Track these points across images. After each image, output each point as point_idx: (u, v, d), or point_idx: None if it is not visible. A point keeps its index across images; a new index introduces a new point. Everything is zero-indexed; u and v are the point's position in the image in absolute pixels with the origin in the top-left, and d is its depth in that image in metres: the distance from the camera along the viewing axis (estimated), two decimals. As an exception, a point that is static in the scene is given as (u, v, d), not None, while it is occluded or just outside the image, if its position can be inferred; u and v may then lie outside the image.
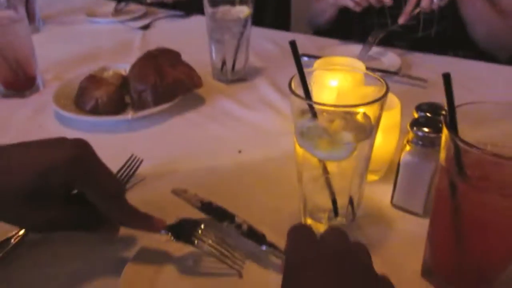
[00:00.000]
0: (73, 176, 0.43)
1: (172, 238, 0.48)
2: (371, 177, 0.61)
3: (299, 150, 0.48)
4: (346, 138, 0.44)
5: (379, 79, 0.46)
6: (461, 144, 0.36)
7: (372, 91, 0.46)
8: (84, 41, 1.19)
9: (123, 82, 0.79)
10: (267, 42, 1.10)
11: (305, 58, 0.95)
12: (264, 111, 0.80)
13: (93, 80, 0.77)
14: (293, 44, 0.43)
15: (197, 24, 1.26)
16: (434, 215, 0.44)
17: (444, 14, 1.08)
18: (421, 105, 0.55)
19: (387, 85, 0.44)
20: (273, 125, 0.76)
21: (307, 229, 0.40)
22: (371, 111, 0.44)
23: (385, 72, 0.89)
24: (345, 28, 1.23)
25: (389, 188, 0.57)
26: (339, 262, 0.35)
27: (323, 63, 0.70)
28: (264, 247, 0.47)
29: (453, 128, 0.37)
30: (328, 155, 0.46)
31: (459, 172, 0.38)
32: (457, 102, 0.40)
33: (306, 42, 1.11)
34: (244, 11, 0.86)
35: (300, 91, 0.45)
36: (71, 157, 0.42)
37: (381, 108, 0.44)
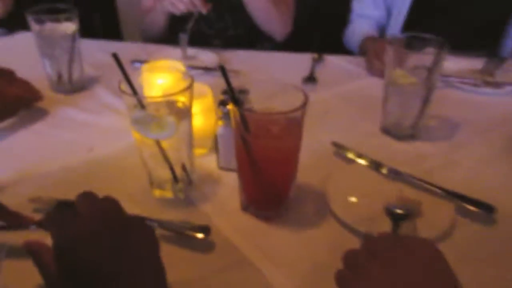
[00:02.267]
0: None
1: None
2: (201, 151, 0.78)
3: (136, 135, 0.62)
4: (169, 120, 0.60)
5: (188, 76, 0.62)
6: (241, 111, 0.55)
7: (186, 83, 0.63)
8: None
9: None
10: (99, 52, 1.18)
11: (137, 64, 1.08)
12: (106, 113, 0.91)
13: None
14: (115, 56, 0.56)
15: (23, 40, 1.27)
16: (238, 164, 0.62)
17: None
18: (226, 90, 0.74)
19: (191, 79, 0.61)
20: (116, 124, 0.87)
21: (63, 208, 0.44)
22: (184, 98, 0.61)
23: (205, 69, 1.07)
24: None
25: (215, 156, 0.75)
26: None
27: (150, 67, 0.84)
28: None
29: (234, 101, 0.55)
30: (159, 135, 0.61)
31: (245, 128, 0.56)
32: (259, 85, 0.59)
33: (137, 49, 1.24)
34: (70, 27, 0.95)
35: (129, 90, 0.59)
36: None
37: (190, 96, 0.61)
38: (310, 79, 1.06)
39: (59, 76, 0.97)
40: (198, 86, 0.73)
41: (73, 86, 0.99)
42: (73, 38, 0.96)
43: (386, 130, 0.85)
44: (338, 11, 1.55)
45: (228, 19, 1.34)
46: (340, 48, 1.41)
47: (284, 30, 1.35)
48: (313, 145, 0.77)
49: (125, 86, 0.58)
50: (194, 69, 1.05)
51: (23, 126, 0.85)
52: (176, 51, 1.17)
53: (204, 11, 1.13)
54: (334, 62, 1.19)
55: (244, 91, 0.63)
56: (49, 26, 0.94)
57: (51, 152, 0.79)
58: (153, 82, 0.69)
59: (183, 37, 1.15)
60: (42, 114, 0.90)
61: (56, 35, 0.95)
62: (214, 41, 1.36)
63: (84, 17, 1.00)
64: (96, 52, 1.17)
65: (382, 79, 0.86)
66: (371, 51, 1.11)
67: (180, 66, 0.85)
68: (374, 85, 1.03)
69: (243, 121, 0.56)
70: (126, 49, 1.25)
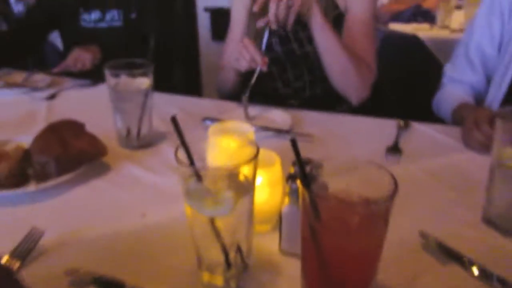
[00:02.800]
0: None
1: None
2: (263, 228, 0.68)
3: (188, 209, 0.54)
4: (227, 196, 0.51)
5: (253, 143, 0.54)
6: (311, 195, 0.45)
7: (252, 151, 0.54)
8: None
9: (25, 155, 0.80)
10: (172, 107, 1.16)
11: (208, 122, 1.03)
12: (168, 174, 0.85)
13: (-7, 155, 0.78)
14: (173, 120, 0.50)
15: (103, 92, 1.29)
16: (303, 254, 0.51)
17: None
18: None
19: (257, 148, 0.53)
20: (175, 186, 0.81)
21: None
22: (246, 170, 0.52)
23: (276, 130, 1.00)
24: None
25: (278, 236, 0.64)
26: None
27: (217, 129, 0.78)
28: None
29: (305, 182, 0.46)
30: (213, 212, 0.52)
31: (315, 216, 0.46)
32: (336, 153, 0.49)
33: (209, 105, 1.21)
34: (144, 82, 0.93)
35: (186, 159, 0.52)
36: None
37: (254, 168, 0.52)
38: (394, 149, 0.94)
39: (128, 131, 0.95)
40: (265, 154, 0.65)
41: (140, 142, 0.96)
42: (146, 93, 0.94)
43: (491, 222, 0.69)
44: (426, 72, 1.42)
45: (306, 79, 1.28)
46: (428, 115, 1.27)
47: (362, 95, 1.22)
48: (395, 234, 0.63)
49: (181, 154, 0.52)
50: (263, 131, 0.98)
51: (83, 181, 0.82)
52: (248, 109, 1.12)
53: (263, 68, 1.07)
54: (422, 130, 1.06)
55: (317, 166, 0.53)
56: (124, 80, 0.93)
57: (104, 213, 0.74)
58: (218, 146, 0.62)
59: (244, 97, 1.09)
60: (104, 169, 0.87)
61: (129, 89, 0.94)
62: (290, 101, 1.29)
63: (163, 71, 0.99)
64: (167, 107, 1.15)
65: (482, 154, 0.71)
66: (469, 120, 0.95)
67: (249, 128, 0.78)
68: (472, 161, 0.88)
69: (313, 207, 0.46)
70: (199, 105, 1.22)
